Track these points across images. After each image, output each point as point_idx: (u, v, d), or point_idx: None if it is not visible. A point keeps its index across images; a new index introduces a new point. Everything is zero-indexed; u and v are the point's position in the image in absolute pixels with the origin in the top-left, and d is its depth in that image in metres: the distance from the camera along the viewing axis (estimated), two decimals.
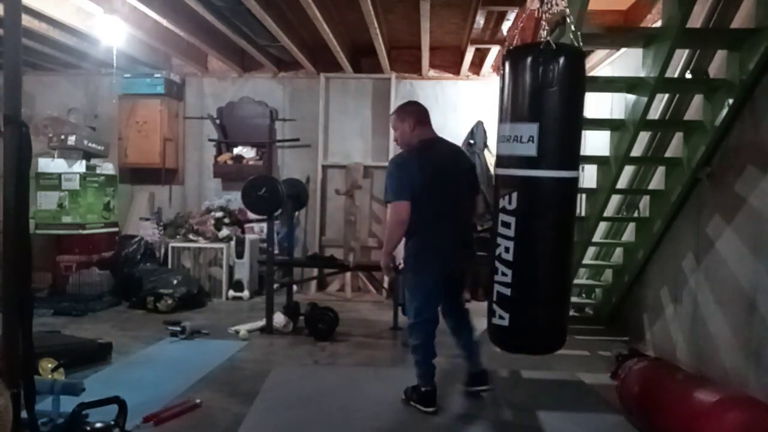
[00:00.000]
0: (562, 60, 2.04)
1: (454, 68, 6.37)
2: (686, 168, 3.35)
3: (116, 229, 6.16)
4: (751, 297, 2.83)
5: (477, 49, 5.73)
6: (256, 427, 2.70)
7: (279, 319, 4.48)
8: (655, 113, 3.64)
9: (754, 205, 2.85)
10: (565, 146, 2.15)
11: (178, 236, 6.02)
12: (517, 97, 2.13)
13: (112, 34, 4.86)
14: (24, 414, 1.98)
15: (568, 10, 2.25)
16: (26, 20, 4.53)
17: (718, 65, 3.25)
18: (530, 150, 2.06)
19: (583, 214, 4.16)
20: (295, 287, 5.37)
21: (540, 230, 2.16)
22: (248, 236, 5.98)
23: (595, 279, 4.79)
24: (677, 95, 3.65)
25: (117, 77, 6.14)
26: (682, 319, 3.58)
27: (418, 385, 2.99)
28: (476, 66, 6.24)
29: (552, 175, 2.10)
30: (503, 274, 2.15)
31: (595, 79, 4.30)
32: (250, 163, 6.38)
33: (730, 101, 2.92)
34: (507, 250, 2.13)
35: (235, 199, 6.08)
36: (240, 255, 5.83)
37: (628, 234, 4.44)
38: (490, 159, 5.98)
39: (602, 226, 4.53)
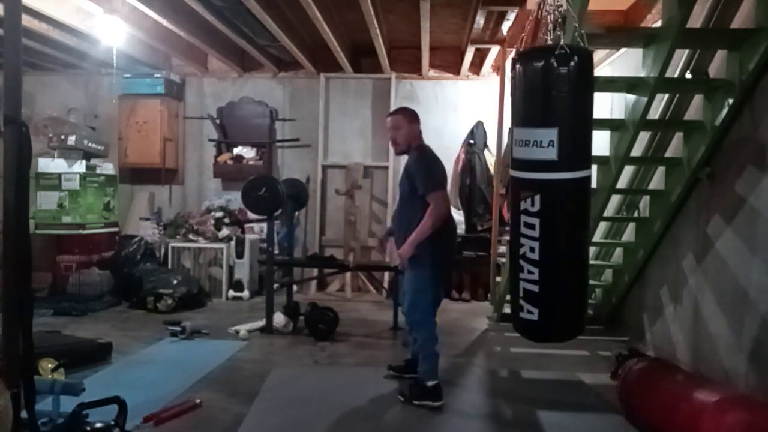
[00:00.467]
0: (576, 62, 2.07)
1: (454, 68, 6.37)
2: (686, 168, 3.35)
3: (116, 229, 6.16)
4: (751, 297, 2.83)
5: (477, 49, 5.73)
6: (256, 427, 2.70)
7: (279, 319, 4.48)
8: (655, 113, 3.64)
9: (754, 205, 2.85)
10: (581, 147, 2.21)
11: (178, 236, 6.02)
12: (533, 101, 2.17)
13: (112, 34, 4.86)
14: (24, 414, 1.99)
15: (571, 9, 2.25)
16: (26, 20, 4.53)
17: (718, 65, 3.25)
18: (551, 154, 2.11)
19: None
20: (295, 287, 5.37)
21: (563, 229, 2.22)
22: (248, 236, 5.98)
23: (595, 279, 4.79)
24: (677, 95, 3.65)
25: (117, 77, 6.15)
26: (682, 319, 3.58)
27: (424, 380, 3.01)
28: (476, 66, 6.23)
29: (571, 176, 2.16)
30: (530, 272, 2.22)
31: (595, 79, 4.29)
32: (250, 163, 6.38)
33: (730, 101, 2.92)
34: (532, 249, 2.19)
35: (235, 199, 6.08)
36: (240, 255, 5.83)
37: (628, 234, 4.44)
38: (490, 159, 5.98)
39: (602, 226, 4.53)
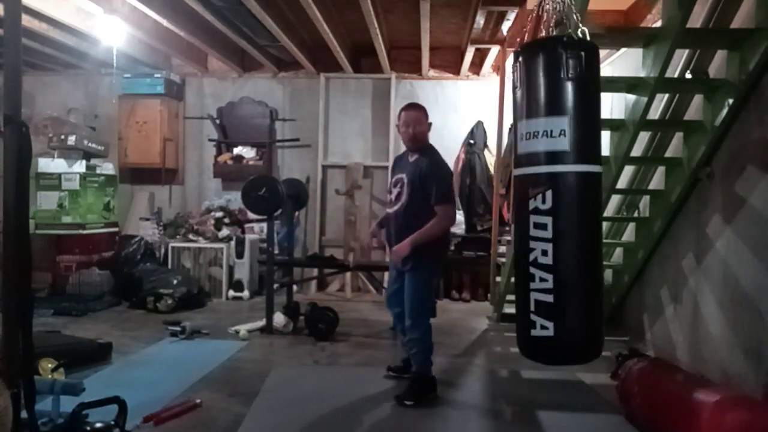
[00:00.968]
0: (584, 51, 2.02)
1: (454, 68, 6.37)
2: (686, 168, 3.34)
3: (116, 229, 6.16)
4: (751, 297, 2.83)
5: (477, 49, 5.73)
6: (256, 427, 2.70)
7: (279, 319, 4.48)
8: (655, 113, 3.64)
9: (755, 205, 2.85)
10: (593, 139, 2.10)
11: (178, 236, 6.02)
12: (541, 90, 2.06)
13: (112, 34, 4.86)
14: (24, 414, 1.98)
15: (574, 7, 2.23)
16: (26, 20, 4.53)
17: (718, 65, 3.25)
18: (563, 144, 1.98)
19: None
20: (295, 287, 5.37)
21: (580, 227, 2.05)
22: (248, 236, 5.98)
23: None
24: (677, 95, 3.65)
25: (117, 77, 6.15)
26: (682, 319, 3.58)
27: (420, 376, 3.04)
28: (476, 66, 6.24)
29: (585, 169, 2.03)
30: (542, 279, 2.00)
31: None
32: (250, 163, 6.38)
33: (730, 101, 2.92)
34: (545, 253, 2.00)
35: (235, 199, 6.08)
36: (240, 255, 5.83)
37: (628, 234, 4.44)
38: (490, 159, 5.98)
39: (602, 226, 4.52)
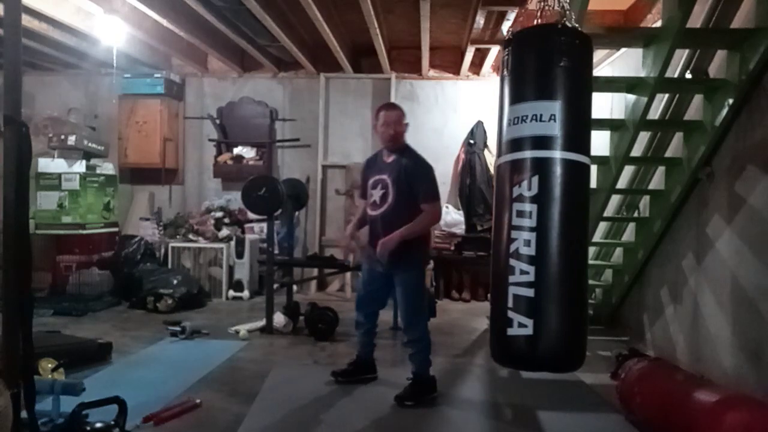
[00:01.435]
0: (577, 38, 2.00)
1: (454, 68, 6.37)
2: (686, 168, 3.35)
3: (116, 229, 6.16)
4: (751, 297, 2.83)
5: (477, 49, 5.73)
6: (256, 427, 2.70)
7: (279, 319, 4.48)
8: (655, 113, 3.64)
9: (755, 205, 2.85)
10: (583, 129, 2.05)
11: (178, 236, 6.02)
12: (532, 74, 2.00)
13: (112, 34, 4.86)
14: (24, 414, 1.98)
15: (567, 5, 2.22)
16: (26, 20, 4.54)
17: (718, 65, 3.25)
18: (552, 129, 1.90)
19: None
20: (295, 287, 5.37)
21: (566, 215, 1.92)
22: (248, 236, 5.98)
23: (595, 279, 4.79)
24: (677, 95, 3.65)
25: (117, 77, 6.15)
26: (682, 319, 3.58)
27: (421, 375, 3.04)
28: (476, 66, 6.24)
29: (574, 158, 1.95)
30: (522, 272, 1.87)
31: (595, 79, 4.29)
32: (250, 163, 6.38)
33: (730, 101, 2.92)
34: (527, 243, 1.87)
35: (235, 199, 6.08)
36: (240, 255, 5.83)
37: (628, 234, 4.44)
38: (490, 159, 5.99)
39: (602, 226, 4.52)
